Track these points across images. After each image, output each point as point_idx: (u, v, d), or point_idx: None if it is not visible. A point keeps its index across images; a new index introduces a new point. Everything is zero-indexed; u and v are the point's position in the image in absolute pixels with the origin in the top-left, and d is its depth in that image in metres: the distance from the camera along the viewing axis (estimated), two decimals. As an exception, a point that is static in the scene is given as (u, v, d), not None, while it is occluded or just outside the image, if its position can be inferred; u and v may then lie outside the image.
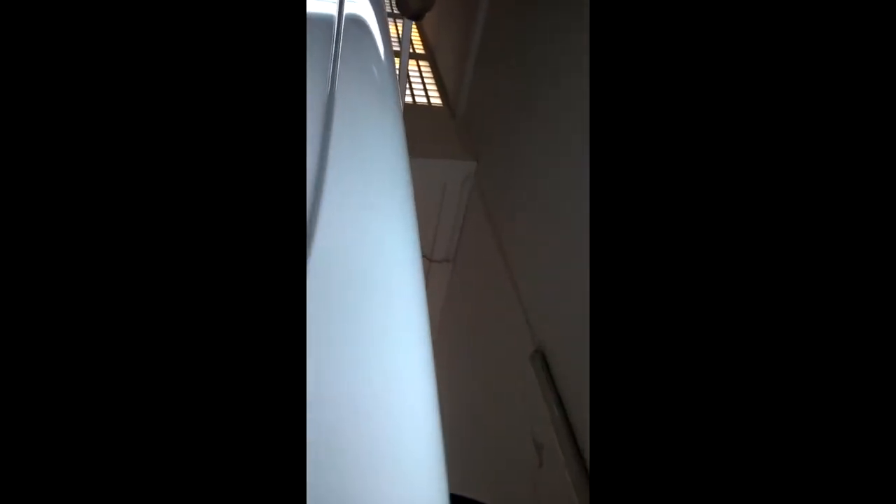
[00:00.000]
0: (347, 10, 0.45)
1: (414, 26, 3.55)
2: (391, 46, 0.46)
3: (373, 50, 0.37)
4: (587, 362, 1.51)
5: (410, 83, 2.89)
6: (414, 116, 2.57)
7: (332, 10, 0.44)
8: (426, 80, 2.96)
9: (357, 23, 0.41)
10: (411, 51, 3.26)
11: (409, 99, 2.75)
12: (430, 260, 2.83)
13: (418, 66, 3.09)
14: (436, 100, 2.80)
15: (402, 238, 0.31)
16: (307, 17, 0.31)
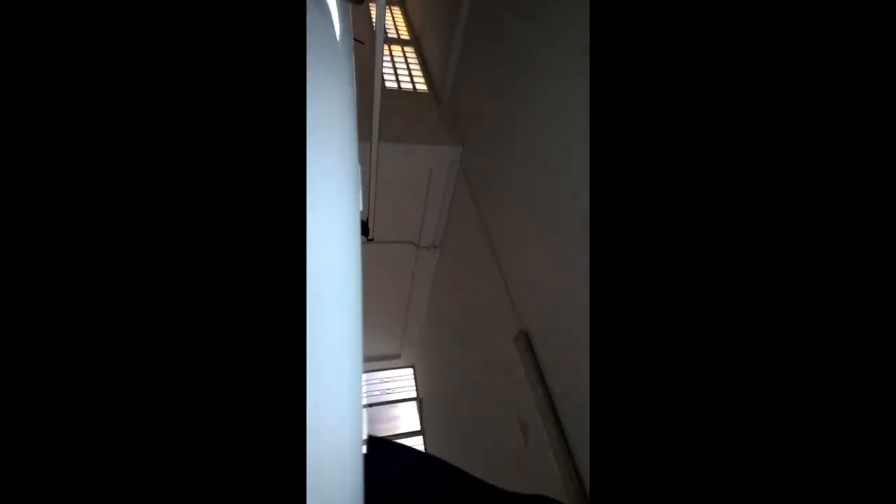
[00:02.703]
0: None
1: (399, 12, 3.49)
2: (349, 29, 0.46)
3: (320, 34, 0.36)
4: (571, 343, 1.54)
5: (395, 69, 2.86)
6: (399, 102, 2.55)
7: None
8: (412, 66, 2.93)
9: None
10: (396, 36, 3.22)
11: (393, 85, 2.73)
12: (418, 246, 2.84)
13: (403, 52, 3.06)
14: (421, 86, 2.78)
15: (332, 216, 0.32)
16: None
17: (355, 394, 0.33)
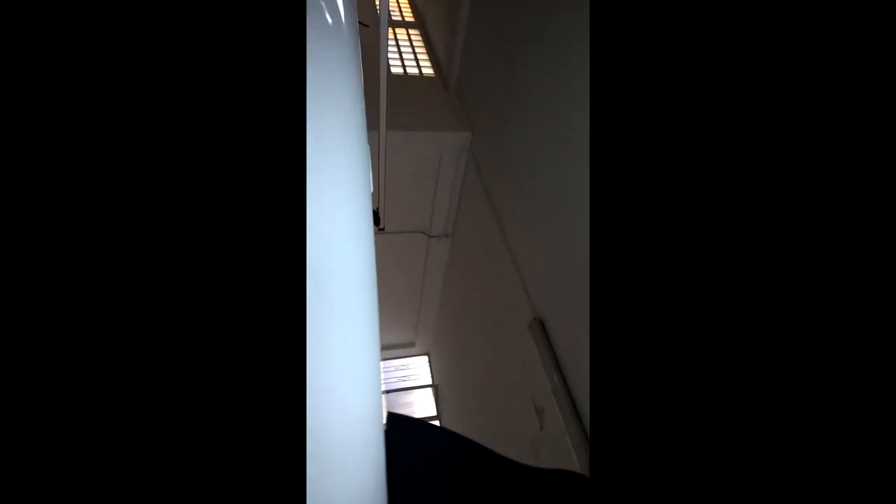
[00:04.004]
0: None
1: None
2: (354, 12, 0.44)
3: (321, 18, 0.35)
4: (585, 329, 1.52)
5: (401, 53, 2.81)
6: (406, 88, 2.50)
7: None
8: (417, 50, 2.87)
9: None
10: (399, 18, 3.15)
11: (399, 70, 2.68)
12: (429, 235, 2.82)
13: (408, 34, 2.99)
14: (427, 69, 2.73)
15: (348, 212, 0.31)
16: None
17: (374, 372, 0.35)
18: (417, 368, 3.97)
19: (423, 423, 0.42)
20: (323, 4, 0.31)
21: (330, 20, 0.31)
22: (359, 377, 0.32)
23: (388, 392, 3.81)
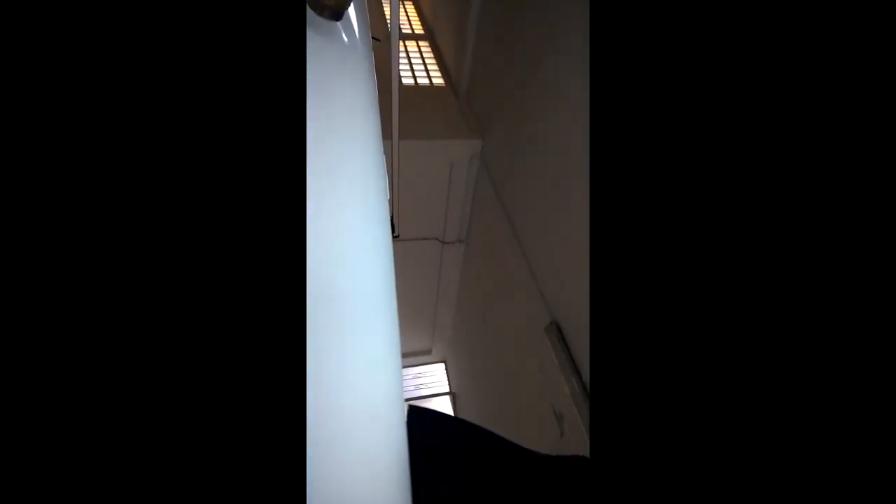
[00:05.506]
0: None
1: (411, 5, 3.48)
2: (367, 27, 0.46)
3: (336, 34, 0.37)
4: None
5: (411, 64, 2.86)
6: (417, 98, 2.54)
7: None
8: (427, 61, 2.92)
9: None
10: (410, 31, 3.21)
11: (410, 81, 2.73)
12: (443, 242, 2.84)
13: (418, 46, 3.05)
14: (438, 80, 2.77)
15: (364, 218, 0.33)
16: None
17: (395, 371, 0.37)
18: (435, 376, 3.96)
19: (441, 414, 0.43)
20: (339, 27, 0.33)
21: (346, 40, 0.34)
22: (382, 375, 0.34)
23: (406, 401, 3.81)
